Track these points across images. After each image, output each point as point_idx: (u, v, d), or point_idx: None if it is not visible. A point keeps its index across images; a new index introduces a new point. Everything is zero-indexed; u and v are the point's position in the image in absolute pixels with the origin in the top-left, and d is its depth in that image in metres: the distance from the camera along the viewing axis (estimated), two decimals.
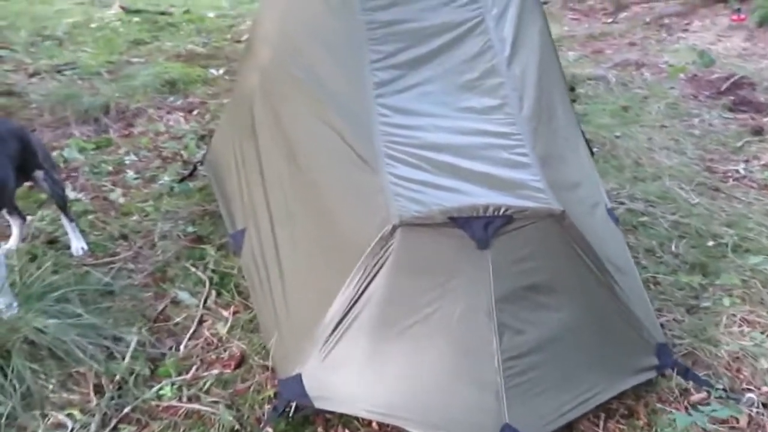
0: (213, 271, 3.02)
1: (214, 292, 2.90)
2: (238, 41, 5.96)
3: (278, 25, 3.17)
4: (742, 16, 6.26)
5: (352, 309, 2.24)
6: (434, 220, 2.21)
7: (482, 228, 2.23)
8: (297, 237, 2.60)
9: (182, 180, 3.73)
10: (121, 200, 3.61)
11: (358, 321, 2.24)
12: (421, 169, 2.41)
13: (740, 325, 2.70)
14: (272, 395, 2.37)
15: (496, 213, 2.23)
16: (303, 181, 2.66)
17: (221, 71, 5.32)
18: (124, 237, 3.28)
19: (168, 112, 4.61)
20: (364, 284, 2.23)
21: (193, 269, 3.02)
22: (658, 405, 2.38)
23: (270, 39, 3.19)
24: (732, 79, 5.13)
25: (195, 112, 4.64)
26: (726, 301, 2.78)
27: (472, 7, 3.00)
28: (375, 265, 2.22)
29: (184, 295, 2.87)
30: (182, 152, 4.07)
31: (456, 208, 2.22)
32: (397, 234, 2.20)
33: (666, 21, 6.43)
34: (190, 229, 3.33)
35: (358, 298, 2.24)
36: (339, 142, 2.58)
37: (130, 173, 3.88)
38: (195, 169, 3.77)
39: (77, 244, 3.14)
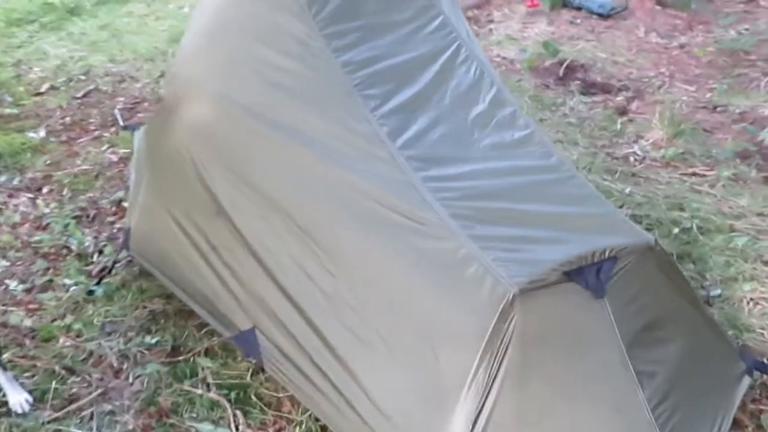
0: (219, 386, 2.49)
1: (239, 413, 2.39)
2: (39, 93, 5.05)
3: (223, 82, 2.67)
4: (536, 1, 6.65)
5: (488, 398, 1.96)
6: (550, 279, 2.01)
7: (594, 276, 2.07)
8: (360, 329, 2.20)
9: (100, 281, 3.04)
10: (28, 323, 2.86)
11: (497, 410, 1.96)
12: (497, 224, 2.18)
13: (758, 304, 2.84)
14: None
15: (602, 257, 2.09)
16: (341, 263, 2.28)
17: (42, 133, 4.46)
18: (70, 371, 2.60)
19: (10, 196, 3.75)
20: (495, 368, 1.97)
21: (196, 390, 2.47)
22: (752, 407, 2.41)
23: (213, 98, 2.67)
24: (564, 64, 5.42)
25: (46, 190, 3.83)
26: (746, 286, 2.90)
27: (443, 33, 2.77)
28: (501, 343, 1.97)
29: (205, 427, 2.33)
30: (69, 244, 3.32)
31: (567, 261, 2.04)
32: (517, 303, 1.96)
33: (470, 14, 6.62)
34: (150, 339, 2.72)
35: (491, 384, 1.96)
36: (379, 210, 2.24)
37: (14, 284, 3.08)
38: (114, 264, 3.09)
39: (18, 398, 2.43)
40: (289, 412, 2.40)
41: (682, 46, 5.86)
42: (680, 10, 6.52)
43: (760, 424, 2.34)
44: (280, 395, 2.45)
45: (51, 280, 3.11)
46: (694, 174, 3.89)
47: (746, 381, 2.40)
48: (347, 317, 2.23)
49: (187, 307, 2.78)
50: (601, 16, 6.54)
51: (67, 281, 3.09)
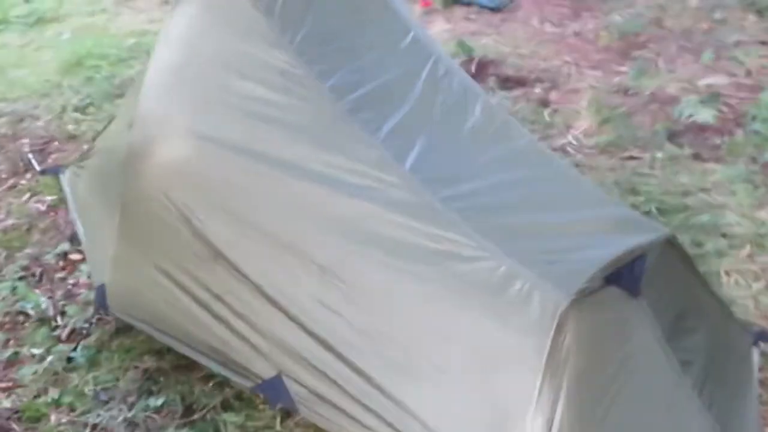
0: None
1: None
2: None
3: (202, 121, 2.53)
4: (428, 0, 6.74)
5: (556, 414, 1.97)
6: (594, 287, 2.05)
7: (630, 276, 2.13)
8: (407, 362, 2.15)
9: (77, 345, 2.80)
10: (7, 404, 2.60)
11: (566, 424, 1.97)
12: (528, 237, 2.20)
13: (730, 276, 3.03)
14: None
15: (633, 257, 2.15)
16: (372, 297, 2.22)
17: None
18: None
19: None
20: (558, 384, 1.98)
21: None
22: (760, 375, 2.56)
23: (192, 138, 2.53)
24: (475, 61, 5.52)
25: None
26: (725, 261, 3.07)
27: (417, 48, 2.75)
28: (561, 358, 1.99)
29: None
30: (24, 310, 3.04)
31: (605, 266, 2.08)
32: (570, 313, 1.98)
33: None
34: (156, 401, 2.54)
35: (558, 400, 1.97)
36: (404, 236, 2.21)
37: None
38: (91, 324, 2.86)
39: None
40: None
41: (576, 34, 6.11)
42: None
43: None
44: None
45: (17, 353, 2.85)
46: (631, 158, 4.07)
47: (756, 353, 2.56)
48: (390, 351, 2.17)
49: (184, 361, 2.63)
50: (492, 9, 6.72)
51: (35, 351, 2.84)
